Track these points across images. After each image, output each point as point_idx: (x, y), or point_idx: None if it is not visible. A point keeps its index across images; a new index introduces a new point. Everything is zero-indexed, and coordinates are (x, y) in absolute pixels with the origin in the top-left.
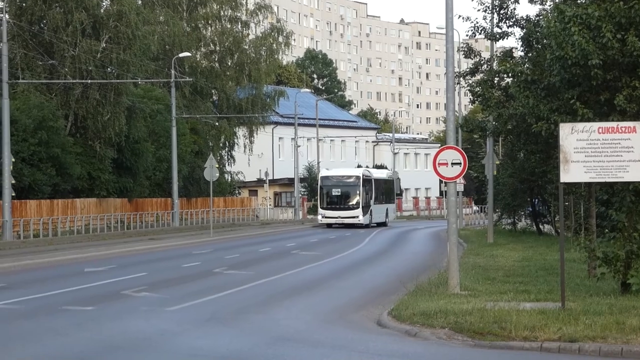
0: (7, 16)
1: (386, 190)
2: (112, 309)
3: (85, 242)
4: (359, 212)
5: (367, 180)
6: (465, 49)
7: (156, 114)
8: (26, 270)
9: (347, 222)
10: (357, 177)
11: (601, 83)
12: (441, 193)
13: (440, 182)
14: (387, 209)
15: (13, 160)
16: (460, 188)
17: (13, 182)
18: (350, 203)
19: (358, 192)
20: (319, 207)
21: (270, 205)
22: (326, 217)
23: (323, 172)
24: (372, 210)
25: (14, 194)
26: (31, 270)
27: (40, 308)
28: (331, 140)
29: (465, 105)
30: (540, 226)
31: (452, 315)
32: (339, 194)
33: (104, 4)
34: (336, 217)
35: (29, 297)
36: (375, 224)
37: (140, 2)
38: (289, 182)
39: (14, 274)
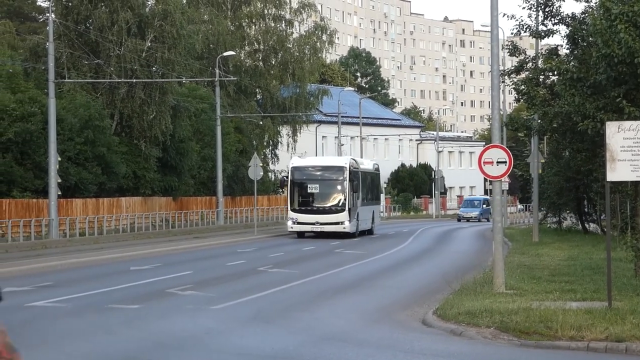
0: (53, 16)
1: (373, 187)
2: (158, 308)
3: (131, 240)
4: (344, 216)
5: (354, 173)
6: (510, 47)
7: (201, 113)
8: (72, 269)
9: (328, 229)
10: (342, 169)
11: None
12: (486, 192)
13: (485, 180)
14: (373, 212)
15: (59, 159)
16: (505, 187)
17: (59, 181)
18: (333, 204)
19: (343, 188)
20: (288, 207)
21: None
22: (298, 223)
23: (295, 162)
24: (359, 213)
25: (60, 193)
26: (77, 269)
27: (87, 306)
28: (374, 138)
29: (510, 104)
30: (586, 225)
31: (497, 315)
32: (317, 191)
33: (149, 3)
34: (312, 224)
35: (75, 296)
36: (361, 231)
37: (185, 1)
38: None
39: (60, 272)
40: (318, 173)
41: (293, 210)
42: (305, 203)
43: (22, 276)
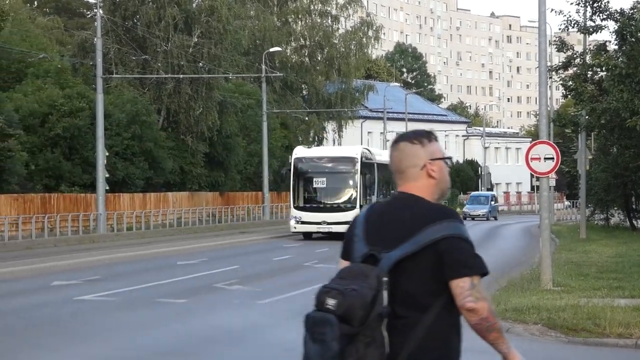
0: (101, 11)
1: (390, 181)
2: (205, 302)
3: (177, 235)
4: (355, 214)
5: (367, 165)
6: (558, 43)
7: (247, 108)
8: (120, 263)
9: (337, 230)
10: (353, 160)
11: None
12: (532, 188)
13: (532, 176)
14: None
15: (107, 154)
16: (553, 183)
17: (107, 175)
18: (342, 200)
19: (354, 182)
20: (291, 205)
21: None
22: (302, 223)
23: (298, 152)
24: None
25: (107, 188)
26: (125, 263)
27: (134, 300)
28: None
29: (557, 100)
30: (634, 222)
31: (545, 311)
32: (324, 185)
33: None
34: (319, 223)
35: (123, 290)
36: None
37: None
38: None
39: (108, 266)
40: (325, 165)
41: (296, 207)
42: (310, 200)
43: (70, 270)
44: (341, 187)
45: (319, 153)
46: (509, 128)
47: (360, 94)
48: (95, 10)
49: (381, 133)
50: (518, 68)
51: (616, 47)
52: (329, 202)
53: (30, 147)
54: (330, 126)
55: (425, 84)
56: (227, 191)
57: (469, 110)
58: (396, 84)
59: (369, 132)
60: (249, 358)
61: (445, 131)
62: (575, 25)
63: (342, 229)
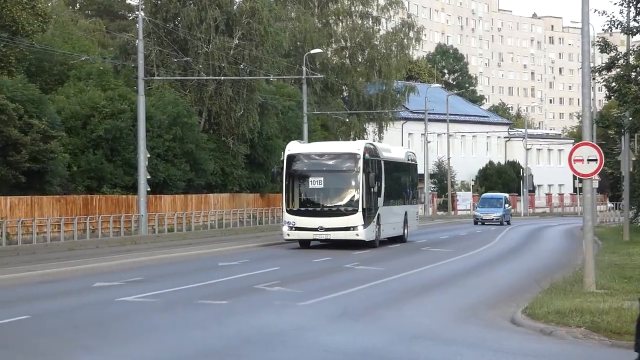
0: (142, 14)
1: (404, 181)
2: (246, 303)
3: (219, 236)
4: (357, 218)
5: (372, 163)
6: (601, 44)
7: (288, 110)
8: (161, 264)
9: (336, 236)
10: (355, 157)
11: None
12: (575, 190)
13: (574, 178)
14: (405, 213)
15: (148, 155)
16: (595, 185)
17: (148, 177)
18: (342, 203)
19: (356, 182)
20: (283, 208)
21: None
22: (297, 229)
23: (292, 147)
24: (381, 215)
25: (149, 189)
26: (166, 264)
27: (176, 301)
28: (462, 135)
29: (600, 101)
30: None
31: (588, 314)
32: (321, 186)
33: (237, 0)
34: (315, 229)
35: (165, 291)
36: (386, 239)
37: None
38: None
39: (149, 267)
40: (323, 162)
41: (290, 211)
42: (305, 202)
43: (112, 271)
44: (341, 187)
45: (316, 149)
46: (551, 129)
47: (401, 95)
48: (136, 12)
49: (422, 134)
50: (560, 69)
51: None
52: (326, 205)
53: (72, 149)
54: (370, 127)
55: (467, 85)
56: (268, 193)
57: (510, 111)
58: (437, 85)
59: (409, 134)
60: (289, 359)
61: (486, 133)
62: (619, 26)
63: (342, 235)
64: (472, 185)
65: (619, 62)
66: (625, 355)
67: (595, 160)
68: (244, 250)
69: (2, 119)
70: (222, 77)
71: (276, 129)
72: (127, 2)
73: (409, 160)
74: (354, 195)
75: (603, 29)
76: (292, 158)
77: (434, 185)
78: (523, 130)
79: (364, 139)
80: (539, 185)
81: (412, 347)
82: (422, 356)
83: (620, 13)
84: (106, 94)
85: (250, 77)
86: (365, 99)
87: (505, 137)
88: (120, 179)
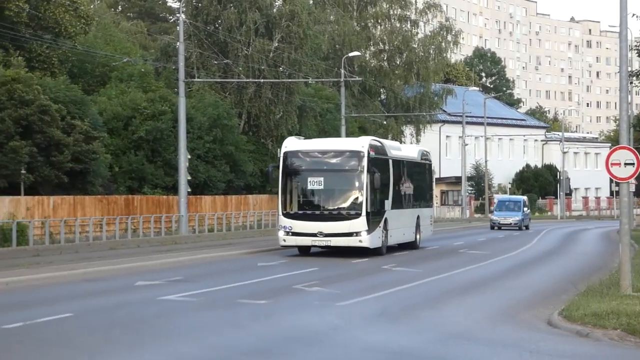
0: (183, 16)
1: (417, 183)
2: (285, 303)
3: (258, 237)
4: (360, 223)
5: (376, 161)
6: (639, 48)
7: (326, 112)
8: (202, 264)
9: (337, 243)
10: (358, 155)
11: None
12: (612, 193)
13: (611, 182)
14: (417, 217)
15: (189, 157)
16: (632, 188)
17: (189, 178)
18: (344, 206)
19: (359, 183)
20: (279, 211)
21: (436, 203)
22: (294, 234)
23: (289, 144)
24: (388, 219)
25: (189, 190)
26: (206, 264)
27: (217, 301)
28: (499, 138)
29: (637, 104)
30: None
31: (624, 317)
32: (321, 187)
33: (276, 3)
34: (314, 235)
35: (206, 290)
36: (397, 245)
37: (311, 2)
38: (456, 181)
39: (190, 267)
40: (323, 161)
41: (286, 215)
42: (303, 205)
43: (153, 270)
44: (343, 189)
45: (316, 146)
46: (588, 133)
47: (438, 98)
48: (177, 15)
49: (459, 137)
50: (598, 73)
51: None
52: (327, 208)
53: (114, 150)
54: (408, 130)
55: (504, 89)
56: None
57: (547, 115)
58: (475, 88)
59: (447, 136)
60: (328, 359)
61: (524, 136)
62: None
63: (344, 242)
64: (509, 188)
65: None
66: None
67: (633, 164)
68: (282, 251)
69: (45, 120)
70: (262, 80)
71: (314, 131)
72: (168, 4)
73: (422, 159)
74: (357, 198)
75: None
76: (289, 155)
77: (471, 188)
78: (560, 133)
79: (401, 141)
80: (575, 189)
81: (449, 348)
82: (460, 356)
83: None
84: (147, 95)
85: (290, 80)
86: (403, 102)
87: (542, 141)
88: (161, 179)
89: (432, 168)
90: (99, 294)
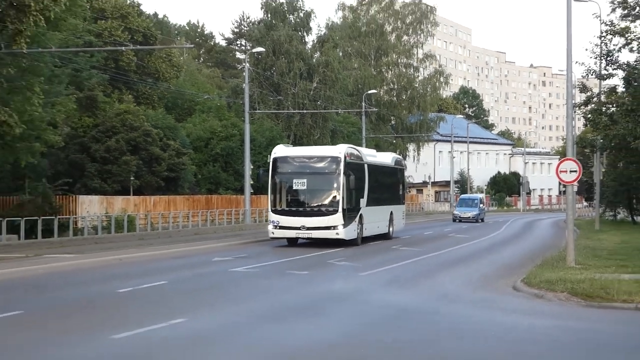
0: (248, 65)
1: (390, 184)
2: (321, 273)
3: None
4: (337, 218)
5: (353, 165)
6: (581, 86)
7: (351, 134)
8: (261, 245)
9: (317, 235)
10: (336, 160)
11: None
12: (560, 192)
13: (559, 184)
14: (390, 213)
15: (252, 167)
16: (575, 189)
17: (251, 182)
18: (323, 203)
19: (337, 184)
20: (269, 208)
21: (432, 200)
22: (280, 228)
23: (277, 151)
24: (363, 215)
25: (252, 191)
26: (264, 245)
27: (271, 272)
28: (478, 153)
29: (579, 128)
30: (635, 217)
31: (569, 283)
32: (304, 187)
33: (315, 55)
34: (297, 228)
35: (263, 264)
36: (372, 236)
37: (340, 54)
38: (446, 184)
39: (252, 247)
40: (306, 165)
41: (274, 211)
42: (288, 203)
43: (225, 250)
44: (322, 189)
45: (299, 152)
46: (543, 148)
47: (433, 123)
48: (244, 64)
49: (449, 152)
50: (550, 105)
51: (623, 89)
52: (309, 206)
53: (197, 162)
54: (411, 147)
55: (482, 116)
56: None
57: (513, 135)
58: (460, 116)
59: (440, 151)
60: (353, 313)
61: (496, 151)
62: (594, 73)
63: (323, 234)
64: (485, 189)
65: (594, 99)
66: (596, 312)
67: (576, 171)
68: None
69: (148, 141)
70: (304, 111)
71: None
72: (237, 56)
73: (395, 165)
74: (335, 197)
75: (582, 76)
76: (277, 160)
77: (457, 189)
78: (522, 149)
79: (406, 155)
80: (533, 189)
81: (440, 305)
82: (448, 312)
83: (595, 64)
84: (221, 122)
85: (325, 111)
86: (407, 126)
87: (509, 154)
88: (232, 183)
89: (404, 172)
90: (186, 267)
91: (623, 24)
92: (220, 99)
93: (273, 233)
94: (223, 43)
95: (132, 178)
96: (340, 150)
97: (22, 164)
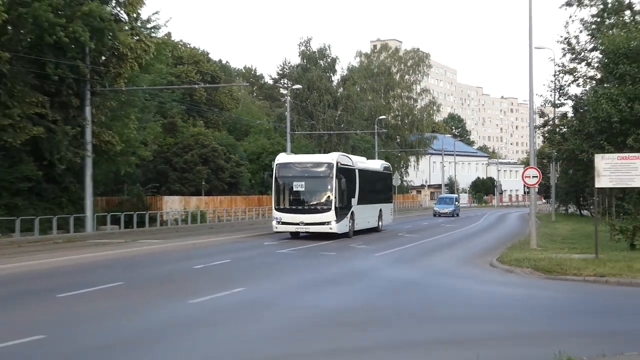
0: (289, 98)
1: (379, 186)
2: (345, 255)
3: None
4: (330, 215)
5: (344, 170)
6: (540, 113)
7: (366, 149)
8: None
9: (313, 230)
10: (329, 165)
11: (618, 132)
12: (525, 192)
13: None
14: (380, 210)
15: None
16: (536, 190)
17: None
18: (318, 202)
19: (330, 186)
20: (273, 206)
21: (428, 199)
22: (283, 223)
23: (280, 158)
24: (355, 212)
25: None
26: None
27: (308, 253)
28: (462, 163)
29: (538, 144)
30: (581, 211)
31: (532, 261)
32: (302, 189)
33: (339, 90)
34: (297, 223)
35: (300, 248)
36: (364, 230)
37: (358, 89)
38: (439, 186)
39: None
40: (304, 170)
41: (277, 209)
42: (289, 202)
43: (273, 236)
44: (317, 190)
45: (298, 159)
46: (511, 160)
47: (428, 140)
48: (286, 97)
49: (440, 162)
50: (517, 127)
51: (572, 114)
52: (306, 204)
53: (252, 171)
54: (412, 159)
55: (465, 136)
56: None
57: (489, 150)
58: (449, 135)
59: (433, 162)
60: (370, 284)
61: (475, 162)
62: (549, 103)
63: (319, 229)
64: (468, 190)
65: (549, 122)
66: (553, 283)
67: (536, 176)
68: None
69: (215, 155)
70: (331, 132)
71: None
72: (281, 91)
73: (384, 170)
74: (328, 196)
75: (541, 104)
76: (280, 166)
77: (447, 190)
78: (496, 160)
79: (408, 165)
80: (504, 190)
81: (435, 278)
82: (441, 283)
83: (550, 96)
84: (269, 141)
85: (347, 131)
86: (409, 143)
87: (486, 164)
88: None
89: (392, 176)
90: (244, 249)
91: (572, 65)
92: (268, 124)
93: (276, 228)
94: (270, 82)
95: (203, 183)
96: (333, 157)
97: (122, 173)
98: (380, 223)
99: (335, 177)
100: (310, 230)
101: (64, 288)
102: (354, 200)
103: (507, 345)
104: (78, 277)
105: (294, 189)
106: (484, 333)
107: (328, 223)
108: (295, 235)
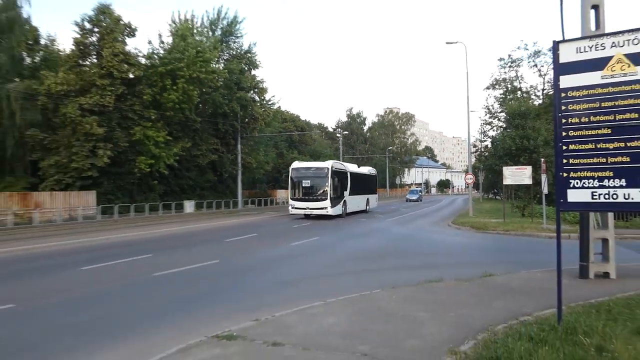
0: (341, 138)
1: (366, 183)
2: (371, 219)
3: None
4: (326, 203)
5: (338, 172)
6: (473, 145)
7: (381, 165)
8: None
9: (316, 212)
10: (326, 169)
11: (515, 155)
12: (466, 186)
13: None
14: (367, 199)
15: None
16: (472, 185)
17: None
18: (319, 194)
19: (327, 183)
20: (289, 197)
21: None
22: (296, 208)
23: (294, 165)
24: (347, 201)
25: None
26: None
27: (350, 220)
28: (432, 171)
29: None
30: (497, 197)
31: (470, 223)
32: (308, 185)
33: (367, 134)
34: (304, 208)
35: (347, 218)
36: (353, 212)
37: (377, 134)
38: (419, 184)
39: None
40: (309, 172)
41: (292, 199)
42: (300, 193)
43: (298, 217)
44: (318, 185)
45: (306, 165)
46: (458, 169)
47: (414, 160)
48: (339, 138)
49: (421, 172)
50: (461, 152)
51: (491, 146)
52: (311, 195)
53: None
54: (405, 170)
55: (434, 157)
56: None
57: (446, 164)
58: (425, 157)
59: (417, 171)
60: (383, 236)
61: (439, 171)
62: (479, 140)
63: (319, 212)
64: (435, 186)
65: (479, 150)
66: (481, 234)
67: (472, 178)
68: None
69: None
70: (363, 156)
71: (379, 170)
72: (337, 135)
73: (370, 173)
74: (325, 190)
75: (474, 140)
76: (294, 170)
77: (416, 186)
78: (451, 170)
79: (403, 174)
80: (455, 186)
81: (419, 232)
82: (424, 235)
83: (479, 135)
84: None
85: (372, 155)
86: (404, 161)
87: (446, 172)
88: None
89: (377, 177)
90: (271, 225)
91: (490, 120)
92: (330, 153)
93: (292, 211)
94: (331, 130)
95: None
96: (329, 164)
97: (256, 178)
98: (367, 207)
99: (330, 177)
100: (314, 213)
101: (229, 236)
102: (346, 193)
103: (456, 268)
104: (237, 230)
105: (303, 185)
106: (444, 262)
107: (325, 208)
108: (307, 217)
